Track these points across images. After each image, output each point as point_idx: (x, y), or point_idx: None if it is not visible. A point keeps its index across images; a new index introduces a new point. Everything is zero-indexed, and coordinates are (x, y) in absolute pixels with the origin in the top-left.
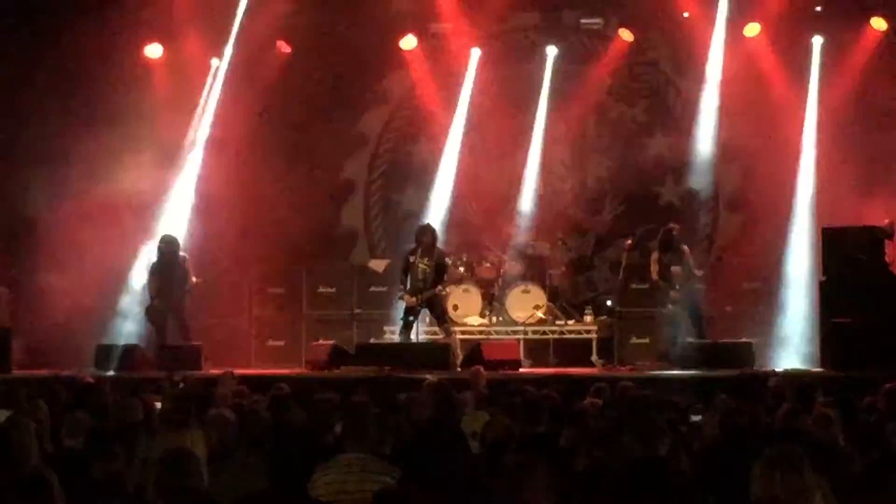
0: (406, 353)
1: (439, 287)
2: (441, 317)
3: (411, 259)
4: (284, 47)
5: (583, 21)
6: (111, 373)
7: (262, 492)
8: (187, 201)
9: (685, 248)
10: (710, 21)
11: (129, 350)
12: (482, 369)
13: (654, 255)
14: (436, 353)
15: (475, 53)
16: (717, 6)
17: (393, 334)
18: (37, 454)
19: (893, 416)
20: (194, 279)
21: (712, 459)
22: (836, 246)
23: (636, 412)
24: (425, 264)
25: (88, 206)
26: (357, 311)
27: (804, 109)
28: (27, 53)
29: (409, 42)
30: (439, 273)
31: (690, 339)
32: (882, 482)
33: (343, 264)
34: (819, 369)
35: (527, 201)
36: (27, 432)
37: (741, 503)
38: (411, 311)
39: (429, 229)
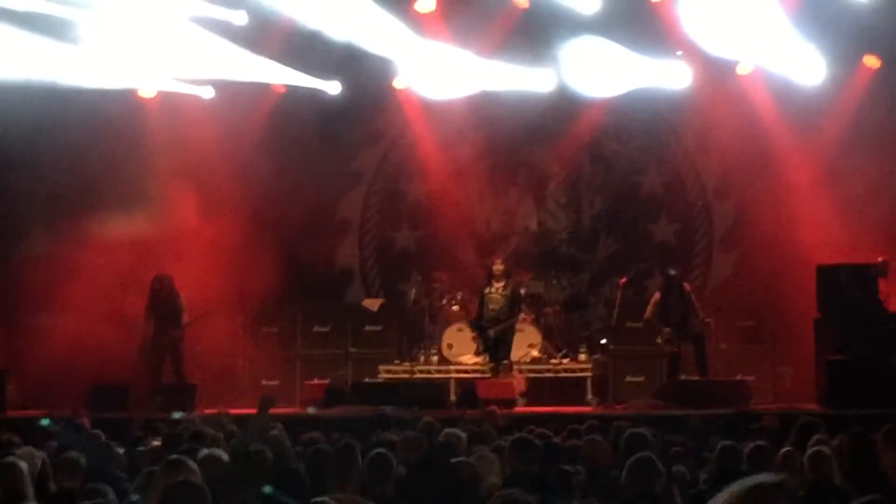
0: (401, 392)
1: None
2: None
3: (486, 291)
4: (278, 87)
5: None
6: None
7: None
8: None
9: (687, 287)
10: (703, 59)
11: (124, 390)
12: (497, 409)
13: (655, 297)
14: (431, 392)
15: (469, 91)
16: (710, 44)
17: (388, 373)
18: (32, 496)
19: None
20: (186, 319)
21: (703, 500)
22: (830, 283)
23: (631, 451)
24: (499, 294)
25: (86, 245)
26: (352, 350)
27: (797, 146)
28: None
29: (402, 81)
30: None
31: (690, 377)
32: None
33: (337, 303)
34: (814, 407)
35: (521, 239)
36: (21, 474)
37: None
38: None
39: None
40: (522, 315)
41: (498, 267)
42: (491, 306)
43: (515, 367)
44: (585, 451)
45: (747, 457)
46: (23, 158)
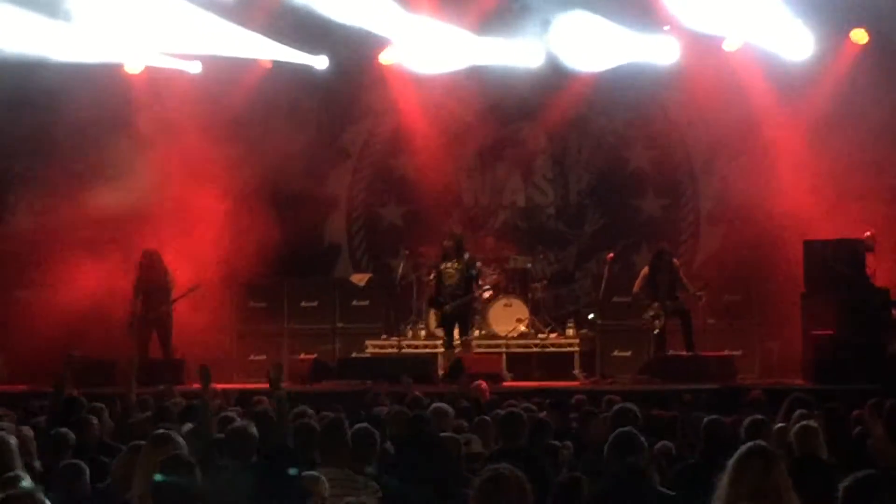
0: (388, 366)
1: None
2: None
3: (441, 267)
4: (264, 62)
5: None
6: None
7: None
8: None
9: (676, 261)
10: (691, 34)
11: (110, 365)
12: (483, 383)
13: (644, 271)
14: (418, 367)
15: (457, 66)
16: (697, 19)
17: (375, 348)
18: (21, 471)
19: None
20: (174, 294)
21: (691, 474)
22: (817, 258)
23: (617, 425)
24: (454, 270)
25: (72, 220)
26: (339, 325)
27: (784, 121)
28: None
29: (389, 56)
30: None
31: (677, 352)
32: (866, 495)
33: (325, 278)
34: (801, 382)
35: (509, 214)
36: (10, 448)
37: None
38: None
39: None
40: (487, 290)
41: (447, 243)
42: (447, 282)
43: (502, 342)
44: (583, 428)
45: (745, 430)
46: (6, 133)
